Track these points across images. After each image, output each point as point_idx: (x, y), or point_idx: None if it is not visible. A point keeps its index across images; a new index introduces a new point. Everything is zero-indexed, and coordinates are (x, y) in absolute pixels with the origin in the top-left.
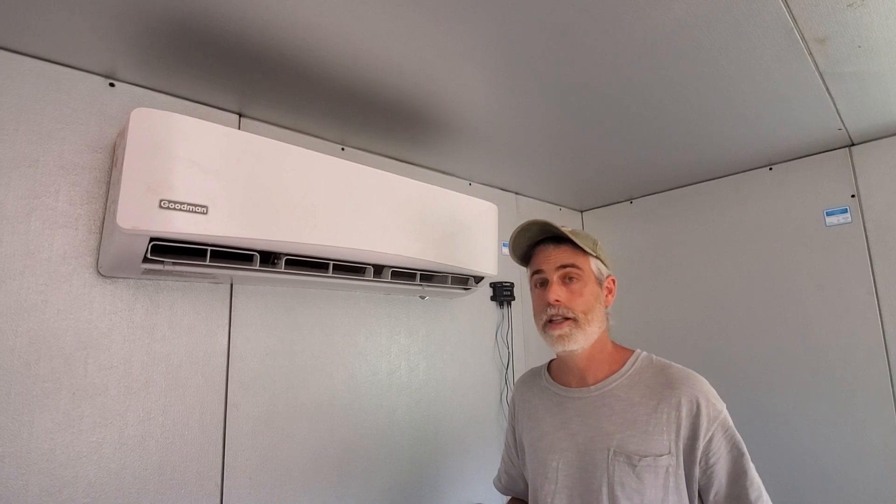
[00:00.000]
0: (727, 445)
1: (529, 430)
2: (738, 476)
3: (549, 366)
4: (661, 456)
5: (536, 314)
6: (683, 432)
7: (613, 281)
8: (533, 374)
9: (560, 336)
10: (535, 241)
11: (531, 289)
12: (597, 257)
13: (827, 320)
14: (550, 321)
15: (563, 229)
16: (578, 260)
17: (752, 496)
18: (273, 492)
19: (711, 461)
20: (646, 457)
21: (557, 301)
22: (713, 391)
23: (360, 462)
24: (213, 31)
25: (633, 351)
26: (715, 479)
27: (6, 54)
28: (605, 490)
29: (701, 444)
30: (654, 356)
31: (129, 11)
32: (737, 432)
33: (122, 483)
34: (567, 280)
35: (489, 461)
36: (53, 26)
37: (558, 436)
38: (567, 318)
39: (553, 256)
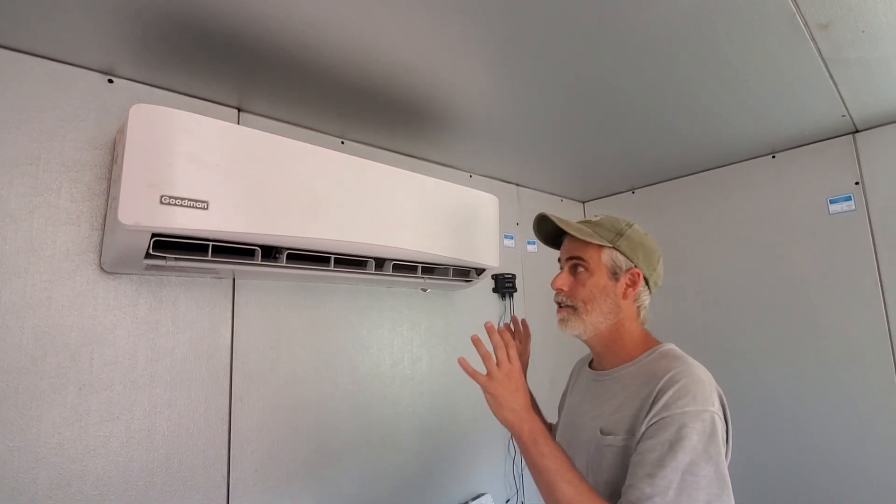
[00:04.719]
0: (664, 434)
1: (565, 404)
2: (652, 462)
3: None
4: (620, 436)
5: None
6: (642, 417)
7: (637, 273)
8: (587, 356)
9: (560, 320)
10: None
11: None
12: (614, 248)
13: (831, 309)
14: (559, 305)
15: (571, 223)
16: (585, 252)
17: (647, 490)
18: (279, 483)
19: (640, 447)
20: (608, 436)
21: (560, 289)
22: (701, 392)
23: (365, 453)
24: (210, 25)
25: (659, 343)
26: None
27: (6, 53)
28: (583, 468)
29: (642, 428)
30: (677, 350)
31: (127, 7)
32: (694, 439)
33: (129, 476)
34: (574, 270)
35: (492, 451)
36: (52, 24)
37: (570, 413)
38: (567, 306)
39: (567, 247)
